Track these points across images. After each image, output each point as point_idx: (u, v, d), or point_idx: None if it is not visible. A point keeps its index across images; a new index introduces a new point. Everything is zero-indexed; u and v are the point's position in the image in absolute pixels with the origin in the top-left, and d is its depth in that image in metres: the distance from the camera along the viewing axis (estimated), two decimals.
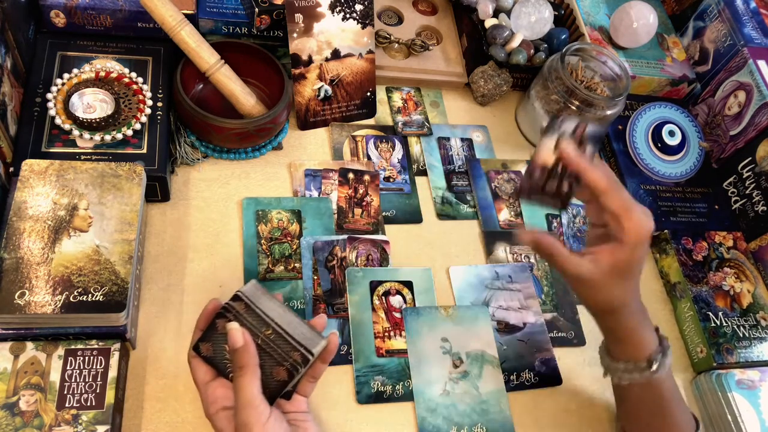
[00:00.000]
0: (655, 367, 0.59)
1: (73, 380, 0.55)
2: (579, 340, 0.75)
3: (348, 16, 0.80)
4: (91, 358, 0.57)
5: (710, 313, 0.77)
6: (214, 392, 0.55)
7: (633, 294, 0.59)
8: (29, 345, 0.56)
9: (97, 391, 0.55)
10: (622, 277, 0.57)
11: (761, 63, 0.87)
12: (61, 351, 0.56)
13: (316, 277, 0.71)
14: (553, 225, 0.83)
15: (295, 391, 0.58)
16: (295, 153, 0.80)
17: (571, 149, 0.57)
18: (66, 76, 0.70)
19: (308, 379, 0.58)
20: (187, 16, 0.72)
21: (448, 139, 0.87)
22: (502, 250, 0.79)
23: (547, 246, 0.58)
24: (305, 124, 0.82)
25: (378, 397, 0.66)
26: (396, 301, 0.72)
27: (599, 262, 0.57)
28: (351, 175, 0.79)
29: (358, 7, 0.80)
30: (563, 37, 0.92)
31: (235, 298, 0.55)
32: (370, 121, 0.86)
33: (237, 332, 0.53)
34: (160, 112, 0.72)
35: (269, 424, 0.51)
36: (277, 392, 0.54)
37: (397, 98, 0.89)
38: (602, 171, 0.56)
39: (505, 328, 0.73)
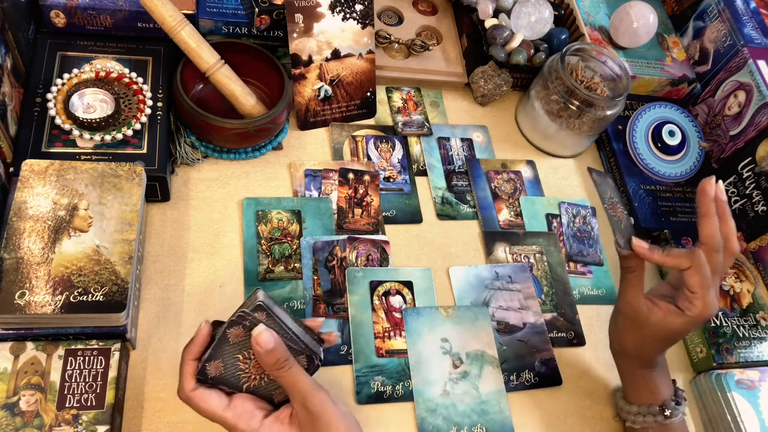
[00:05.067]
0: (668, 413, 0.62)
1: (73, 380, 0.55)
2: (579, 340, 0.75)
3: (348, 16, 0.80)
4: (91, 358, 0.57)
5: None
6: (243, 409, 0.52)
7: (660, 353, 0.63)
8: (29, 345, 0.56)
9: (97, 391, 0.55)
10: (661, 336, 0.61)
11: (761, 63, 0.87)
12: (61, 351, 0.56)
13: (316, 277, 0.71)
14: (553, 225, 0.83)
15: None
16: (295, 153, 0.80)
17: (643, 249, 0.60)
18: (66, 76, 0.70)
19: None
20: (187, 16, 0.72)
21: (448, 139, 0.87)
22: (502, 251, 0.79)
23: (635, 266, 0.61)
24: (305, 124, 0.82)
25: (378, 398, 0.66)
26: (396, 301, 0.72)
27: (653, 312, 0.60)
28: (351, 175, 0.79)
29: (358, 7, 0.80)
30: (563, 37, 0.92)
31: (258, 308, 0.53)
32: (370, 121, 0.86)
33: (267, 333, 0.51)
34: (160, 112, 0.72)
35: (334, 403, 0.51)
36: None
37: (397, 98, 0.89)
38: (685, 254, 0.58)
39: (505, 328, 0.73)
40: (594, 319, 0.77)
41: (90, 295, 0.56)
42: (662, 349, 0.63)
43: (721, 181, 0.61)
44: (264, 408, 0.54)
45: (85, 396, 0.55)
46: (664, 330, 0.60)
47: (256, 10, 0.77)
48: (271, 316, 0.53)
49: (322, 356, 0.55)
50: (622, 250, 0.61)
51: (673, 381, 0.66)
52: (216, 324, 0.55)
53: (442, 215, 0.81)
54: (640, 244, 0.60)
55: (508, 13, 0.92)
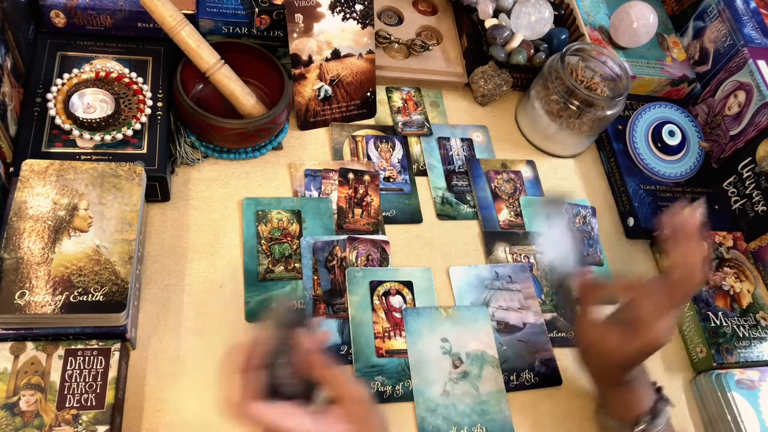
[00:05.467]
0: (641, 427, 0.61)
1: (73, 380, 0.55)
2: None
3: (348, 16, 0.80)
4: (91, 358, 0.57)
5: (710, 313, 0.77)
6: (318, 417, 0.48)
7: (625, 375, 0.62)
8: (29, 345, 0.56)
9: (97, 391, 0.55)
10: (619, 363, 0.61)
11: (761, 63, 0.87)
12: (61, 351, 0.56)
13: (316, 277, 0.71)
14: None
15: None
16: (295, 153, 0.80)
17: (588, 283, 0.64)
18: (66, 76, 0.70)
19: None
20: (187, 16, 0.72)
21: (448, 139, 0.87)
22: (502, 251, 0.79)
23: (585, 295, 0.63)
24: (305, 124, 0.82)
25: (378, 397, 0.66)
26: (396, 301, 0.72)
27: (607, 340, 0.61)
28: (351, 175, 0.79)
29: (358, 7, 0.80)
30: (563, 37, 0.92)
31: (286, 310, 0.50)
32: (370, 121, 0.86)
33: (308, 337, 0.49)
34: (160, 112, 0.72)
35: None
36: None
37: (397, 98, 0.89)
38: (628, 286, 0.61)
39: (505, 328, 0.73)
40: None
41: (90, 295, 0.56)
42: (624, 373, 0.61)
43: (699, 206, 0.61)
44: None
45: (85, 396, 0.55)
46: (621, 356, 0.60)
47: (256, 10, 0.77)
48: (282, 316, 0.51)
49: None
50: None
51: (659, 388, 0.64)
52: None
53: (442, 215, 0.81)
54: (585, 281, 0.63)
55: (508, 13, 0.92)
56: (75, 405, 0.55)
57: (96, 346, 0.57)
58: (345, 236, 0.74)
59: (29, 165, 0.61)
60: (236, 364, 0.48)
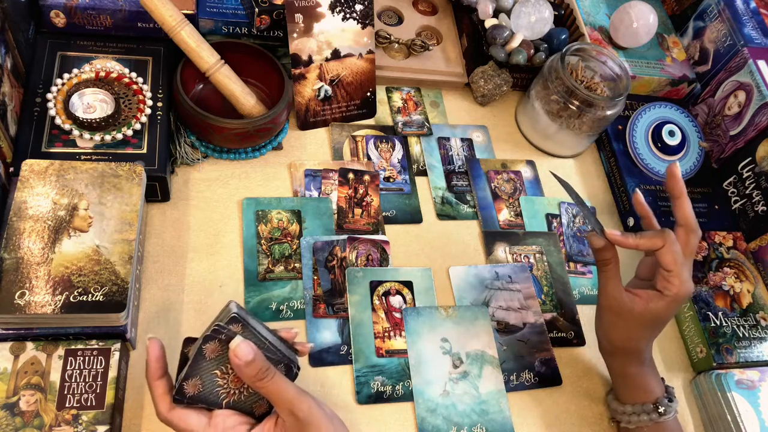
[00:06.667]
0: (662, 410, 0.63)
1: (73, 380, 0.55)
2: (579, 340, 0.75)
3: (348, 16, 0.80)
4: (91, 358, 0.57)
5: (710, 313, 0.77)
6: (224, 425, 0.51)
7: (648, 343, 0.64)
8: (29, 345, 0.56)
9: (97, 391, 0.55)
10: (648, 324, 0.62)
11: (761, 63, 0.87)
12: (61, 351, 0.56)
13: (316, 277, 0.71)
14: (552, 225, 0.83)
15: None
16: (295, 153, 0.80)
17: (618, 236, 0.61)
18: (66, 76, 0.70)
19: None
20: (187, 16, 0.72)
21: (448, 139, 0.87)
22: (502, 250, 0.79)
23: (611, 257, 0.62)
24: (305, 124, 0.82)
25: (378, 398, 0.66)
26: (396, 301, 0.72)
27: (635, 302, 0.61)
28: (351, 175, 0.79)
29: (358, 7, 0.80)
30: (563, 37, 0.92)
31: (233, 320, 0.51)
32: (370, 121, 0.86)
33: (245, 345, 0.49)
34: (160, 112, 0.72)
35: (320, 407, 0.50)
36: None
37: (397, 98, 0.89)
38: (658, 234, 0.60)
39: (505, 328, 0.73)
40: (594, 319, 0.77)
41: (90, 295, 0.56)
42: (650, 338, 0.64)
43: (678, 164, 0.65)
44: (247, 422, 0.53)
45: (85, 396, 0.55)
46: (649, 316, 0.61)
47: (256, 10, 0.77)
48: (247, 327, 0.51)
49: (299, 365, 0.54)
50: (598, 241, 0.62)
51: (662, 379, 0.66)
52: (188, 341, 0.54)
53: (442, 215, 0.81)
54: (613, 233, 0.61)
55: (508, 13, 0.92)
56: (75, 405, 0.54)
57: (96, 346, 0.57)
58: (345, 236, 0.74)
59: (29, 165, 0.61)
60: (150, 375, 0.52)
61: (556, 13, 0.94)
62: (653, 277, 0.63)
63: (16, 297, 0.54)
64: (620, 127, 0.91)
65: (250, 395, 0.54)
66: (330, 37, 0.79)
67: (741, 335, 0.77)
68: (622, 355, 0.65)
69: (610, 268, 0.63)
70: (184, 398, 0.52)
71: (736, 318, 0.78)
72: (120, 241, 0.59)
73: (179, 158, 0.74)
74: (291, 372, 0.54)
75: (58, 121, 0.66)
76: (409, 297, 0.72)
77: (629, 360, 0.64)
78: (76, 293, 0.55)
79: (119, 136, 0.68)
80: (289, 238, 0.73)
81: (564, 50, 0.84)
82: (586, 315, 0.77)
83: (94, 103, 0.70)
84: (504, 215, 0.82)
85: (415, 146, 0.85)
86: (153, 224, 0.71)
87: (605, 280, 0.63)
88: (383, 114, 0.87)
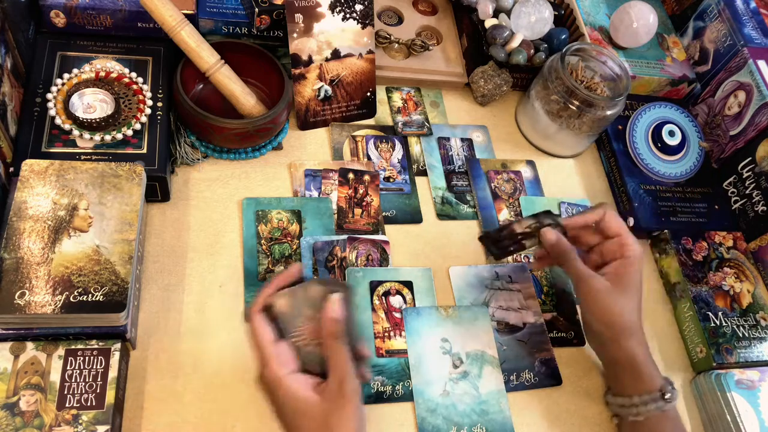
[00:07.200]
0: (668, 396, 0.63)
1: (73, 380, 0.55)
2: (579, 340, 0.75)
3: (348, 16, 0.80)
4: (92, 358, 0.57)
5: (710, 313, 0.77)
6: (284, 352, 0.54)
7: (638, 314, 0.65)
8: (29, 345, 0.56)
9: (98, 391, 0.55)
10: (627, 289, 0.65)
11: (761, 63, 0.87)
12: (61, 351, 0.56)
13: (316, 278, 0.71)
14: None
15: None
16: (295, 153, 0.80)
17: (569, 220, 0.70)
18: (66, 76, 0.70)
19: None
20: (187, 16, 0.72)
21: (448, 139, 0.87)
22: None
23: (568, 248, 0.67)
24: (305, 124, 0.82)
25: (378, 397, 0.66)
26: (396, 301, 0.72)
27: (607, 275, 0.66)
28: (351, 175, 0.79)
29: (358, 7, 0.80)
30: (563, 37, 0.92)
31: (345, 287, 0.56)
32: (370, 121, 0.86)
33: (341, 304, 0.53)
34: (160, 112, 0.72)
35: (361, 398, 0.52)
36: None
37: (397, 98, 0.89)
38: (596, 207, 0.69)
39: (504, 328, 0.73)
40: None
41: (90, 295, 0.56)
42: (636, 307, 0.65)
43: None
44: (296, 363, 0.55)
45: (85, 396, 0.55)
46: (626, 281, 0.65)
47: (256, 10, 0.77)
48: (349, 301, 0.55)
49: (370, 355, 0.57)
50: (551, 234, 0.67)
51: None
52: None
53: (442, 215, 0.81)
54: (564, 220, 0.69)
55: (508, 13, 0.92)
56: (75, 405, 0.55)
57: (96, 346, 0.57)
58: (345, 236, 0.74)
59: (29, 165, 0.61)
60: (273, 283, 0.56)
61: (556, 13, 0.94)
62: (592, 243, 0.69)
63: (16, 297, 0.54)
64: (620, 127, 0.91)
65: (311, 352, 0.55)
66: (330, 37, 0.79)
67: (741, 335, 0.77)
68: (619, 336, 0.65)
69: (572, 256, 0.66)
70: (271, 309, 0.55)
71: (736, 318, 0.78)
72: (120, 241, 0.59)
73: (179, 158, 0.74)
74: (360, 357, 0.56)
75: (58, 121, 0.66)
76: (409, 297, 0.72)
77: (627, 343, 0.64)
78: (76, 293, 0.55)
79: (119, 136, 0.68)
80: (289, 238, 0.73)
81: (564, 50, 0.84)
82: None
83: (94, 103, 0.70)
84: (504, 215, 0.82)
85: (415, 146, 0.85)
86: (153, 224, 0.71)
87: (572, 269, 0.66)
88: (383, 114, 0.87)
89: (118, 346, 0.58)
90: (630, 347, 0.64)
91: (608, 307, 0.64)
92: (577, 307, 0.77)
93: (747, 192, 0.87)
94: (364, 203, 0.78)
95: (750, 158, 0.86)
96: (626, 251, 0.65)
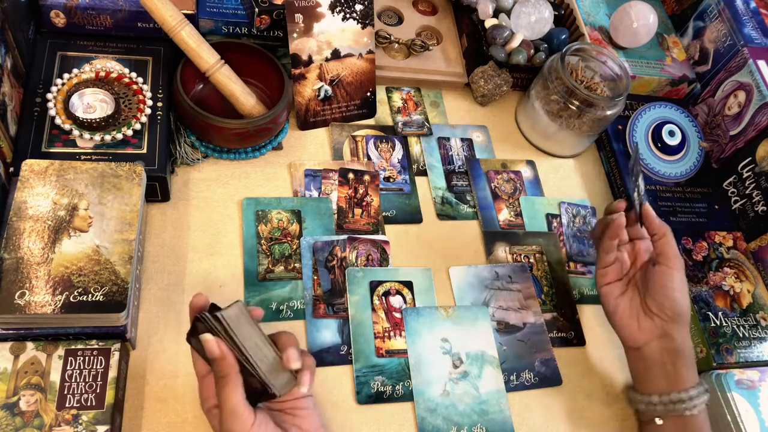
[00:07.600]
0: (708, 387, 0.65)
1: (73, 380, 0.55)
2: (579, 340, 0.75)
3: (348, 16, 0.80)
4: (91, 358, 0.57)
5: (710, 313, 0.77)
6: (208, 388, 0.55)
7: (687, 307, 0.66)
8: (29, 345, 0.56)
9: (97, 391, 0.55)
10: (682, 268, 0.67)
11: (761, 63, 0.87)
12: (61, 351, 0.56)
13: (316, 277, 0.71)
14: (552, 225, 0.83)
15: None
16: (295, 153, 0.80)
17: (651, 212, 0.70)
18: (66, 76, 0.70)
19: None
20: (187, 16, 0.72)
21: (448, 139, 0.87)
22: (502, 250, 0.79)
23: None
24: (305, 124, 0.82)
25: (378, 398, 0.66)
26: (396, 301, 0.72)
27: (661, 257, 0.67)
28: (351, 175, 0.79)
29: (358, 7, 0.80)
30: (563, 37, 0.92)
31: (216, 318, 0.53)
32: (370, 121, 0.86)
33: (212, 343, 0.52)
34: (160, 112, 0.72)
35: (253, 430, 0.51)
36: (257, 398, 0.54)
37: (397, 98, 0.89)
38: (664, 224, 0.69)
39: (505, 328, 0.73)
40: (594, 319, 0.77)
41: (90, 295, 0.56)
42: (687, 301, 0.66)
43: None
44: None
45: (85, 396, 0.55)
46: (679, 260, 0.67)
47: (256, 10, 0.77)
48: (228, 333, 0.52)
49: (279, 392, 0.54)
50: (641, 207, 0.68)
51: None
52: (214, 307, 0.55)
53: (442, 215, 0.81)
54: (647, 209, 0.69)
55: (508, 13, 0.92)
56: (75, 405, 0.55)
57: (96, 346, 0.57)
58: (345, 236, 0.74)
59: (29, 165, 0.61)
60: (190, 312, 0.55)
61: (556, 13, 0.94)
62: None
63: (16, 297, 0.54)
64: (620, 127, 0.91)
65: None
66: (330, 37, 0.79)
67: (741, 335, 0.77)
68: (681, 321, 0.65)
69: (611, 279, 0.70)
70: (192, 345, 0.55)
71: (736, 318, 0.78)
72: (120, 241, 0.59)
73: (179, 158, 0.74)
74: (265, 392, 0.54)
75: (58, 121, 0.66)
76: (409, 297, 0.72)
77: (687, 326, 0.65)
78: (76, 293, 0.55)
79: (119, 136, 0.68)
80: (289, 238, 0.73)
81: (564, 50, 0.84)
82: (586, 315, 0.77)
83: (94, 103, 0.70)
84: (504, 215, 0.82)
85: (415, 146, 0.85)
86: (153, 224, 0.71)
87: (615, 298, 0.69)
88: (383, 114, 0.87)
89: (118, 346, 0.58)
90: (687, 333, 0.65)
91: (678, 287, 0.65)
92: (578, 307, 0.78)
93: (747, 192, 0.87)
94: (364, 203, 0.78)
95: (750, 158, 0.86)
96: (673, 260, 0.66)
